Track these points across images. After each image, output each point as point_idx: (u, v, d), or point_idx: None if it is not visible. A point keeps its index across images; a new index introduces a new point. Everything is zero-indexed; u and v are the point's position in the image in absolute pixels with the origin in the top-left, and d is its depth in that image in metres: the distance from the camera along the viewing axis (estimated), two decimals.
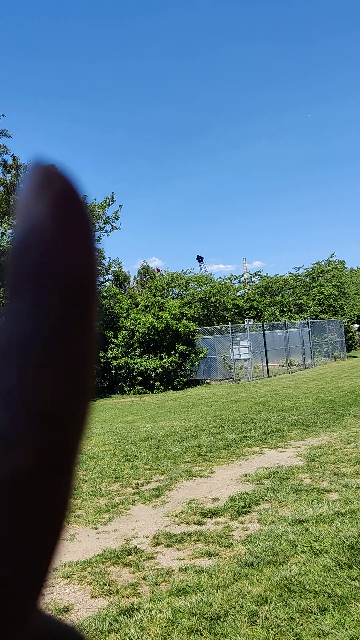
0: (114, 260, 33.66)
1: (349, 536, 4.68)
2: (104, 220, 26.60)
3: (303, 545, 4.58)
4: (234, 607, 3.67)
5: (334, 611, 3.51)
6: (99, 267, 0.22)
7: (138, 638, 3.44)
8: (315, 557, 4.34)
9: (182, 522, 5.56)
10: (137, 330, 22.67)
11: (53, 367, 0.19)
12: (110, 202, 26.62)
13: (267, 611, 3.57)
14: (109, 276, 33.18)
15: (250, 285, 48.53)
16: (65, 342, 0.20)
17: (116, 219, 26.90)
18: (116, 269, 33.92)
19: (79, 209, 0.22)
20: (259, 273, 49.54)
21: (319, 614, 3.50)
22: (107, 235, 27.34)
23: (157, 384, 22.01)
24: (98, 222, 26.61)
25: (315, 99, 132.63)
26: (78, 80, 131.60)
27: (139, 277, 44.53)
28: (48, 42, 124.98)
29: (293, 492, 6.12)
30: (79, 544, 5.27)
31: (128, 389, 22.59)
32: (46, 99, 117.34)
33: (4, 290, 0.21)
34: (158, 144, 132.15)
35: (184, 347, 22.29)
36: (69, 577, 4.51)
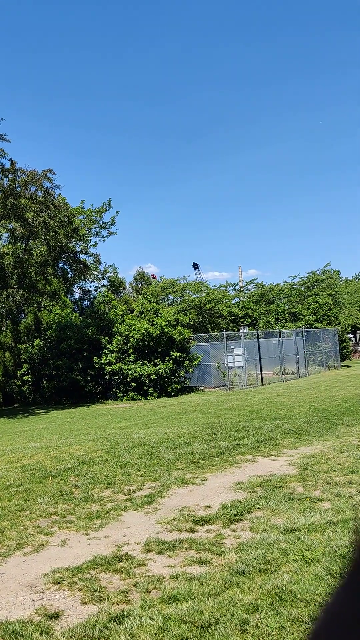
0: (110, 266, 33.75)
1: (341, 545, 4.68)
2: (100, 226, 26.65)
3: (295, 554, 4.57)
4: (225, 615, 3.65)
5: None
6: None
7: None
8: (306, 566, 4.33)
9: (173, 529, 5.55)
10: (132, 336, 22.65)
11: None
12: (108, 208, 26.69)
13: (258, 620, 3.56)
14: (105, 282, 33.19)
15: (245, 293, 48.65)
16: None
17: (113, 224, 26.97)
18: (112, 274, 33.95)
19: None
20: (254, 281, 49.72)
21: (310, 623, 3.49)
22: (104, 241, 27.39)
23: (150, 390, 21.97)
24: (95, 228, 26.65)
25: (316, 104, 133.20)
26: (73, 82, 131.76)
27: (134, 283, 44.54)
28: (44, 42, 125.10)
29: (285, 501, 6.11)
30: (69, 549, 5.24)
31: (122, 394, 22.54)
32: (42, 100, 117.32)
33: None
34: (155, 150, 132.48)
35: (178, 354, 22.28)
36: (59, 582, 4.49)
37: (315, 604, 3.70)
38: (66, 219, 21.72)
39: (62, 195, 22.52)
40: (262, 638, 3.35)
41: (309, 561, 4.42)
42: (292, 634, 3.38)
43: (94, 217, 26.58)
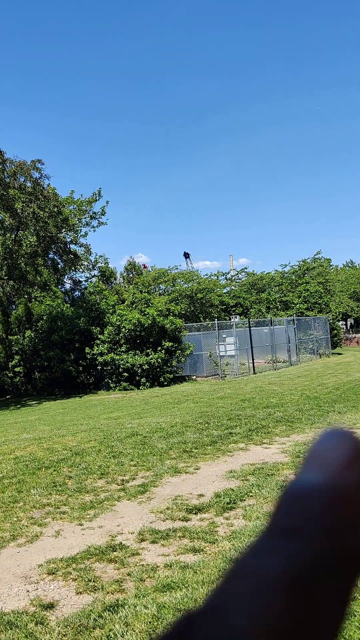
0: (101, 256, 33.52)
1: None
2: (90, 216, 26.48)
3: None
4: None
5: None
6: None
7: (123, 634, 3.45)
8: None
9: (167, 518, 5.58)
10: (124, 327, 22.62)
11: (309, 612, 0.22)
12: (98, 198, 26.50)
13: None
14: (96, 272, 33.05)
15: (236, 282, 48.69)
16: (325, 591, 0.22)
17: (103, 214, 26.80)
18: (102, 264, 33.79)
19: None
20: (246, 270, 49.78)
21: None
22: (94, 231, 27.26)
23: (143, 380, 21.99)
24: (85, 218, 26.49)
25: (311, 87, 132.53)
26: (61, 67, 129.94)
27: (125, 273, 44.43)
28: (31, 25, 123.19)
29: (278, 488, 6.16)
30: (64, 540, 5.26)
31: (114, 385, 22.55)
32: (30, 88, 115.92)
33: (269, 521, 0.24)
34: (150, 146, 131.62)
35: (170, 344, 22.28)
36: (53, 573, 4.51)
37: None
38: (56, 210, 21.55)
39: (51, 186, 22.33)
40: None
41: None
42: None
43: (84, 207, 26.39)
